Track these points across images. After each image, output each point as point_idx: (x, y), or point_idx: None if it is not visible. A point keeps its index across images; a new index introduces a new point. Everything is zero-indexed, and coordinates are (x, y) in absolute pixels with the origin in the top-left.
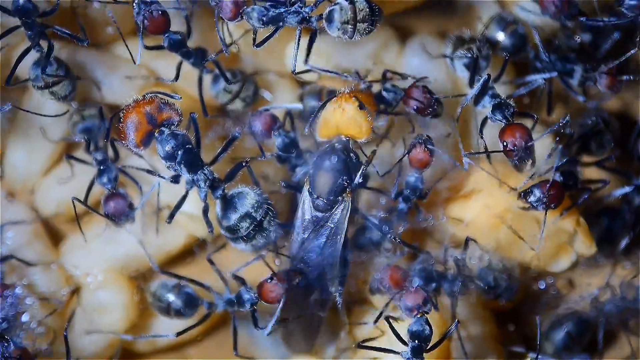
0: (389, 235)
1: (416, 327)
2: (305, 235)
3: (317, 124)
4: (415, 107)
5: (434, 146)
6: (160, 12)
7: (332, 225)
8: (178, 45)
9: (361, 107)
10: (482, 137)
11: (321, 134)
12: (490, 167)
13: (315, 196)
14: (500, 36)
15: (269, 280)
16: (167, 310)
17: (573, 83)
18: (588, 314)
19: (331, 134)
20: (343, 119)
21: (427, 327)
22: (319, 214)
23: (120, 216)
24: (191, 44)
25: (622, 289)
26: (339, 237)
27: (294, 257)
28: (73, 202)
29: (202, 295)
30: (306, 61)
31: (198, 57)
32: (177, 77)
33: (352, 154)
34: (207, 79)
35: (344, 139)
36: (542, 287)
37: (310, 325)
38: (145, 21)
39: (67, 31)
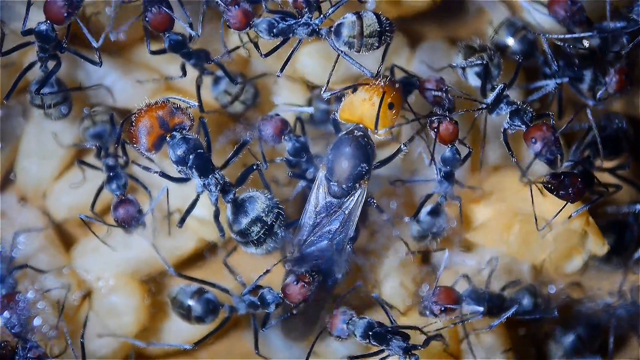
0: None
1: (358, 328)
2: (318, 221)
3: (341, 104)
4: (432, 96)
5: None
6: (165, 11)
7: (346, 212)
8: (178, 46)
9: (390, 106)
10: (508, 145)
11: (342, 116)
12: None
13: (332, 182)
14: (510, 42)
15: (295, 283)
16: (188, 316)
17: (583, 88)
18: (599, 318)
19: (352, 120)
20: (370, 112)
21: (359, 319)
22: (334, 200)
23: (131, 222)
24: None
25: (633, 293)
26: (351, 224)
27: (304, 242)
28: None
29: (220, 299)
30: (325, 90)
31: (199, 58)
32: (184, 74)
33: (371, 142)
34: (208, 81)
35: (364, 127)
36: (553, 291)
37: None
38: (150, 14)
39: (82, 54)
